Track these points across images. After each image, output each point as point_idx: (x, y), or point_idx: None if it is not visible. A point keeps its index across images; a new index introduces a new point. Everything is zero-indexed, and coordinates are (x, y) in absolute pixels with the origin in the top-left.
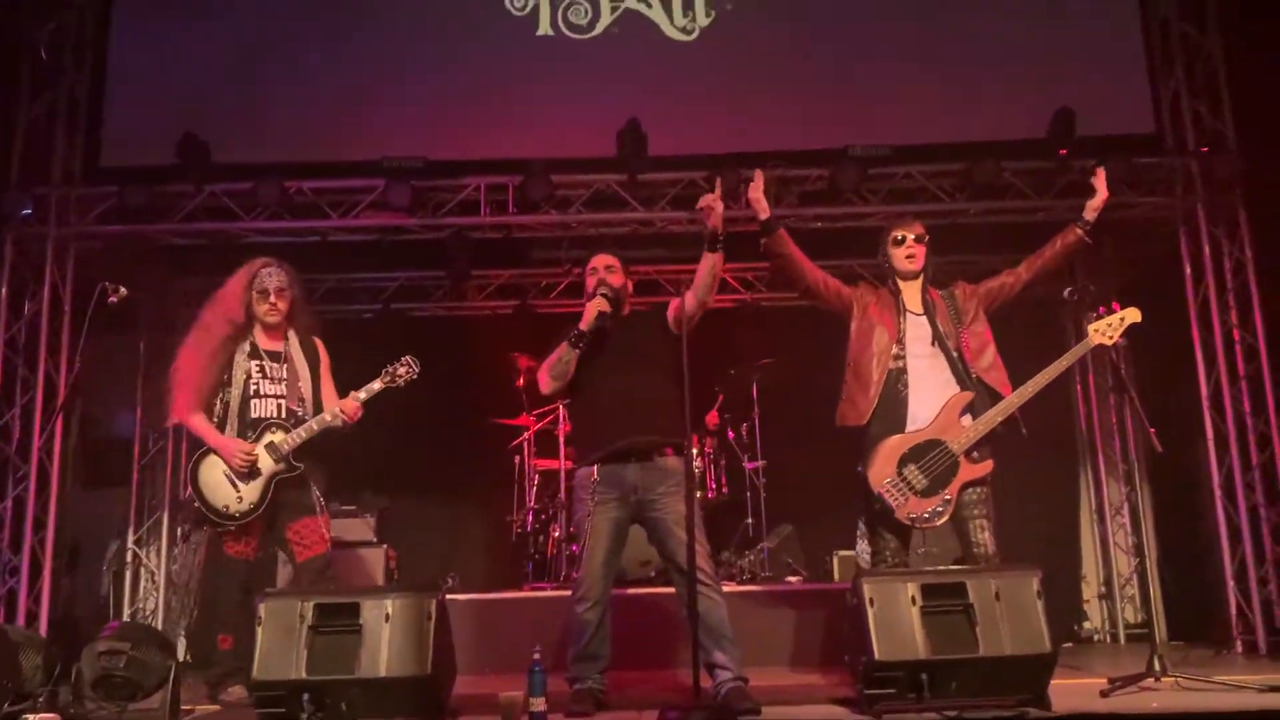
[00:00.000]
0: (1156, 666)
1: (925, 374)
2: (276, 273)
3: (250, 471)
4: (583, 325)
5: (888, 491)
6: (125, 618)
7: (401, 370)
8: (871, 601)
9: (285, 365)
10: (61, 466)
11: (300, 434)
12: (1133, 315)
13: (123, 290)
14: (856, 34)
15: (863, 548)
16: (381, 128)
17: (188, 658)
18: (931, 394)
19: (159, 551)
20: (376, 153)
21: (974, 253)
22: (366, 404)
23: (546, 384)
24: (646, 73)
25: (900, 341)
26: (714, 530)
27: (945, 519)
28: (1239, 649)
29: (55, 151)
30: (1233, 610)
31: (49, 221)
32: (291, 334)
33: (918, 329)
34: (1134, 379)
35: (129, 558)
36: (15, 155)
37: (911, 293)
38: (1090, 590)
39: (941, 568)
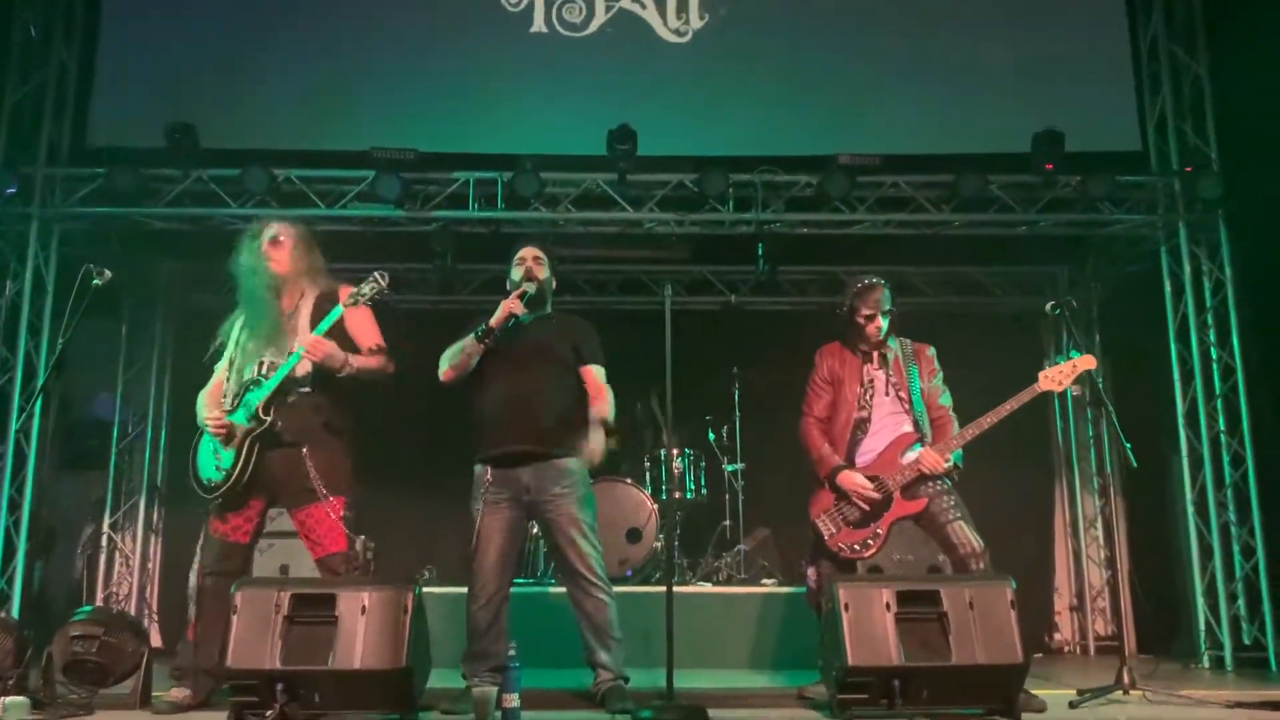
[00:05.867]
0: (1125, 679)
1: (883, 420)
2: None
3: (229, 437)
4: (493, 322)
5: (822, 521)
6: (99, 602)
7: (366, 289)
8: (846, 607)
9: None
10: (39, 448)
11: (269, 386)
12: (1086, 363)
13: (108, 273)
14: (848, 43)
15: (811, 575)
16: (371, 119)
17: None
18: (884, 436)
19: (134, 536)
20: (365, 144)
21: (957, 264)
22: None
23: (444, 371)
24: (638, 73)
25: (865, 391)
26: (692, 531)
27: (874, 551)
28: (1206, 664)
29: (42, 131)
30: (1201, 626)
31: (33, 201)
32: (308, 293)
33: (877, 379)
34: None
35: (104, 541)
36: (2, 134)
37: (874, 348)
38: (1062, 602)
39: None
